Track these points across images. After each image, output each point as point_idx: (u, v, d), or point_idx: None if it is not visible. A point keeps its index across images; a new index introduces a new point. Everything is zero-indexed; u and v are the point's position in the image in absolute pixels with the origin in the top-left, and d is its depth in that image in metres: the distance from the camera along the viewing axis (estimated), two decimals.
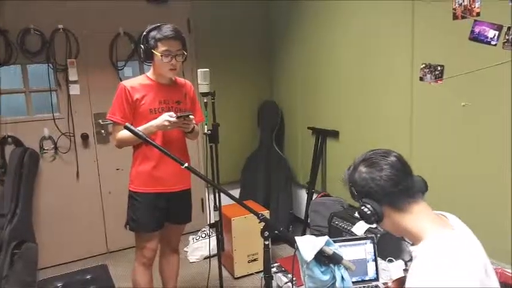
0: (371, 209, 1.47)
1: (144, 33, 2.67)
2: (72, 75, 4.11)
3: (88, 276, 2.99)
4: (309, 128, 4.35)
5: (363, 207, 1.48)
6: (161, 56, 2.63)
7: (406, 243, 1.55)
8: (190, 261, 4.28)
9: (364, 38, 3.49)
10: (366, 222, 1.51)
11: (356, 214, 3.20)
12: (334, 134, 4.01)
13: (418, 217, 1.46)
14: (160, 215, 2.86)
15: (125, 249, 4.46)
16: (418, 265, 1.36)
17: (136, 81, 2.77)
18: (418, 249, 1.41)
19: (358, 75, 3.61)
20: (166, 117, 2.60)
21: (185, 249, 4.45)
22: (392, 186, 1.46)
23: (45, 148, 4.14)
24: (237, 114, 4.88)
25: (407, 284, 1.36)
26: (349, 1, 3.60)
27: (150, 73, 2.81)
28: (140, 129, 2.60)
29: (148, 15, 4.15)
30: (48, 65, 4.04)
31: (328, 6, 3.86)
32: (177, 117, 2.60)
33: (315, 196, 4.26)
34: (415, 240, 1.46)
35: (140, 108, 2.73)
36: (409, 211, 1.47)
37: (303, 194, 4.53)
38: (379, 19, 3.31)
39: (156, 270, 3.16)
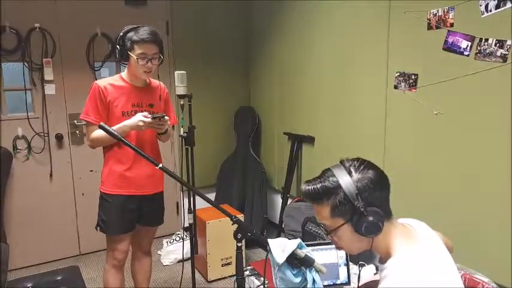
0: (382, 216, 1.34)
1: (121, 34, 2.65)
2: (48, 75, 4.06)
3: (59, 278, 2.93)
4: (285, 133, 4.38)
5: (371, 217, 1.32)
6: (137, 58, 2.62)
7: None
8: (164, 264, 4.25)
9: (341, 46, 3.53)
10: (371, 234, 1.35)
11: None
12: (310, 140, 4.04)
13: (393, 228, 1.41)
14: (131, 217, 2.83)
15: (98, 251, 4.42)
16: (388, 283, 1.31)
17: (110, 82, 2.74)
18: (387, 267, 1.35)
19: (334, 82, 3.65)
20: (141, 118, 2.59)
21: (159, 252, 4.42)
22: (386, 191, 1.40)
23: (19, 148, 4.08)
24: (214, 118, 4.88)
25: None
26: (327, 10, 3.64)
27: (124, 74, 2.79)
28: (114, 128, 2.59)
29: (127, 17, 4.13)
30: (23, 64, 3.98)
31: (307, 16, 3.89)
32: (152, 118, 2.60)
33: (289, 201, 4.27)
34: (384, 255, 1.40)
35: (113, 110, 2.71)
36: (391, 221, 1.41)
37: (278, 199, 4.55)
38: (355, 28, 3.35)
39: (128, 272, 3.14)
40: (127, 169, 2.75)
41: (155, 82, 2.92)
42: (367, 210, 1.32)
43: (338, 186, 1.36)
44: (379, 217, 1.33)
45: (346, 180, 1.35)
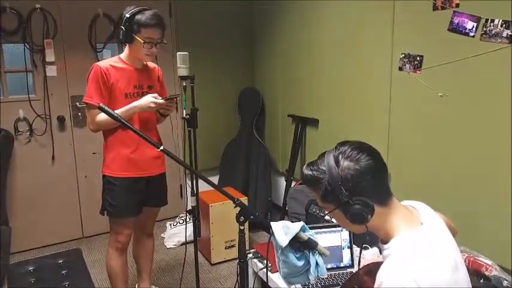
0: (369, 205, 1.33)
1: (127, 15, 2.58)
2: (49, 56, 4.03)
3: (61, 261, 2.94)
4: (289, 115, 4.35)
5: (356, 206, 1.32)
6: (144, 42, 2.59)
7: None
8: (167, 247, 4.27)
9: (345, 27, 3.49)
10: (357, 223, 1.36)
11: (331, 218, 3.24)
12: (314, 122, 4.02)
13: (393, 212, 1.39)
14: (139, 199, 2.84)
15: (100, 234, 4.44)
16: (389, 265, 1.31)
17: (111, 63, 2.70)
18: (390, 246, 1.36)
19: (338, 64, 3.61)
20: (152, 99, 2.60)
21: (162, 235, 4.43)
22: (381, 177, 1.38)
23: (20, 130, 4.06)
24: (217, 99, 4.85)
25: (377, 284, 1.31)
26: None
27: (124, 56, 2.76)
28: (122, 110, 2.59)
29: None
30: (24, 45, 3.95)
31: None
32: (165, 99, 2.63)
33: (293, 183, 4.27)
34: (386, 237, 1.39)
35: (115, 92, 2.68)
36: (389, 205, 1.39)
37: (282, 182, 4.54)
38: (360, 8, 3.30)
39: (131, 255, 3.15)
40: (133, 151, 2.74)
41: (151, 64, 2.91)
42: (352, 200, 1.33)
43: (324, 176, 1.37)
44: (364, 207, 1.33)
45: (332, 169, 1.35)
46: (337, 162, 1.36)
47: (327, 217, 3.12)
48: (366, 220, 1.34)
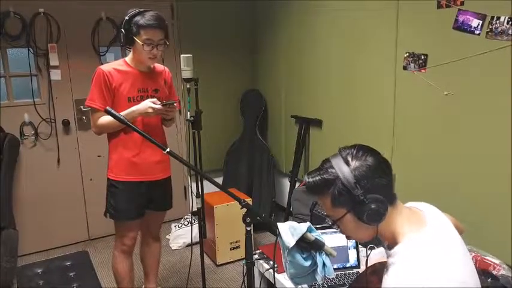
0: (384, 202, 1.32)
1: (127, 17, 2.59)
2: (53, 60, 4.04)
3: (68, 263, 2.96)
4: (292, 116, 4.35)
5: (372, 203, 1.31)
6: (143, 44, 2.58)
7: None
8: (173, 248, 4.27)
9: (348, 26, 3.48)
10: (374, 222, 1.33)
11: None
12: (318, 123, 4.01)
13: (399, 213, 1.39)
14: (141, 203, 2.83)
15: (106, 236, 4.45)
16: (395, 271, 1.30)
17: (115, 67, 2.70)
18: (394, 254, 1.34)
19: (342, 64, 3.61)
20: (150, 104, 2.58)
21: (167, 236, 4.44)
22: (389, 176, 1.38)
23: (26, 134, 4.07)
24: (221, 102, 4.86)
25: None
26: None
27: (129, 59, 2.75)
28: (122, 114, 2.57)
29: (132, 0, 4.08)
30: (28, 50, 3.96)
31: None
32: (163, 105, 2.60)
33: (297, 184, 4.26)
34: (390, 241, 1.39)
35: (118, 96, 2.68)
36: (395, 206, 1.39)
37: (286, 183, 4.53)
38: (363, 7, 3.29)
39: (137, 257, 3.15)
40: (135, 155, 2.74)
41: (159, 67, 2.89)
42: (367, 198, 1.31)
43: (336, 177, 1.35)
44: (380, 204, 1.32)
45: (343, 169, 1.35)
46: (347, 162, 1.36)
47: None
48: (383, 218, 1.33)
